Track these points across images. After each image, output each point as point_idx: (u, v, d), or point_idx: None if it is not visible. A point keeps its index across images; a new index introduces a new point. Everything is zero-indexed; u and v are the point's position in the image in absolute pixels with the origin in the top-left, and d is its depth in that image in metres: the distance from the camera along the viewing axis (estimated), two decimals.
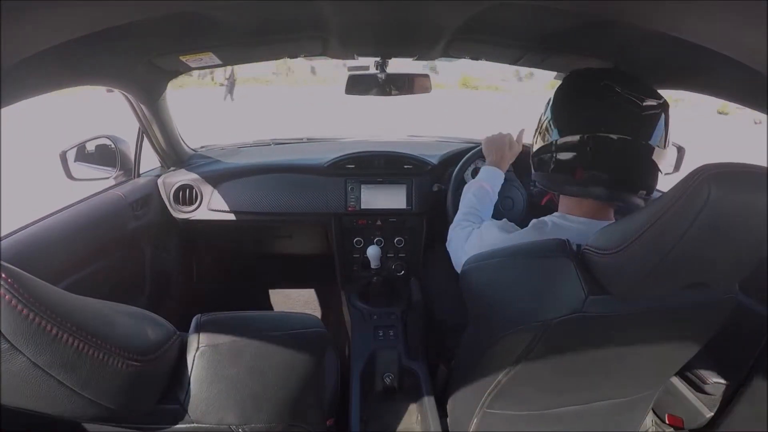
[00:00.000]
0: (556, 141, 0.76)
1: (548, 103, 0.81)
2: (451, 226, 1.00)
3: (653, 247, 0.49)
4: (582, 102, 0.75)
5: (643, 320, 0.61)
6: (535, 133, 0.84)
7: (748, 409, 0.84)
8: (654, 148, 0.69)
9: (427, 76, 1.22)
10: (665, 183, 0.72)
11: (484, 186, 1.05)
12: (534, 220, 0.78)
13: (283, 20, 0.92)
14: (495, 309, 0.65)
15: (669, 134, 0.71)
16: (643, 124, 0.69)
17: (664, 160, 0.71)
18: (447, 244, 0.99)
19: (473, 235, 0.88)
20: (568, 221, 0.75)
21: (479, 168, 1.47)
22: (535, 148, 0.83)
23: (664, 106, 0.70)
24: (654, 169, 0.71)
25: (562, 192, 0.79)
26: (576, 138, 0.72)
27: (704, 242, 0.46)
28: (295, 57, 1.21)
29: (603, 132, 0.69)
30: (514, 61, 1.19)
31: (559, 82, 0.84)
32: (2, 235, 0.88)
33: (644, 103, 0.68)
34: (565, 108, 0.77)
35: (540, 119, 0.83)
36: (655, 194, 0.70)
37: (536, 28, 0.94)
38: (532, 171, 0.85)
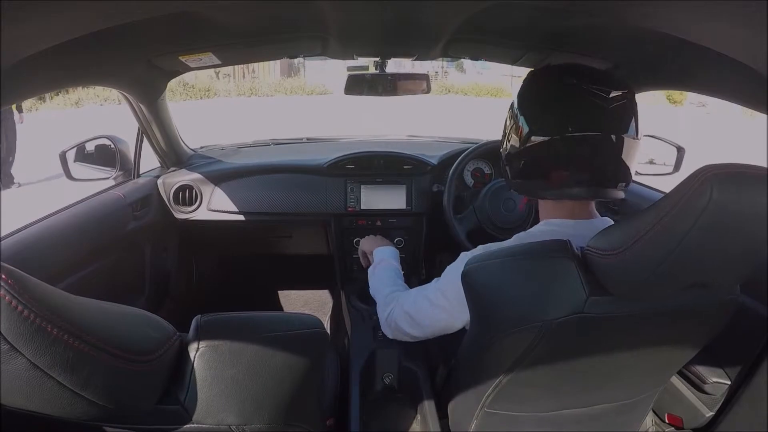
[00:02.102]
0: (525, 145, 0.73)
1: (512, 106, 0.78)
2: (387, 311, 0.95)
3: (655, 248, 0.49)
4: (546, 103, 0.72)
5: (645, 321, 0.61)
6: (504, 139, 0.80)
7: (748, 409, 0.84)
8: (625, 140, 0.67)
9: (426, 75, 1.22)
10: (666, 183, 0.72)
11: (390, 263, 1.11)
12: (516, 235, 0.77)
13: (282, 20, 0.92)
14: (496, 309, 0.65)
15: (639, 123, 0.69)
16: (612, 118, 0.67)
17: (637, 149, 0.70)
18: (391, 322, 0.93)
19: (428, 297, 0.83)
20: (552, 226, 0.74)
21: (478, 168, 1.48)
22: (504, 152, 0.80)
23: (629, 96, 0.68)
24: (629, 161, 0.69)
25: (539, 197, 0.78)
26: (545, 140, 0.70)
27: (706, 243, 0.46)
28: (295, 57, 1.21)
29: (572, 131, 0.67)
30: (514, 61, 1.19)
31: None
32: (2, 235, 0.87)
33: (610, 96, 0.66)
34: (530, 110, 0.74)
35: (506, 123, 0.80)
36: (657, 195, 0.70)
37: (536, 28, 0.94)
38: (507, 178, 0.81)
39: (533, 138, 0.71)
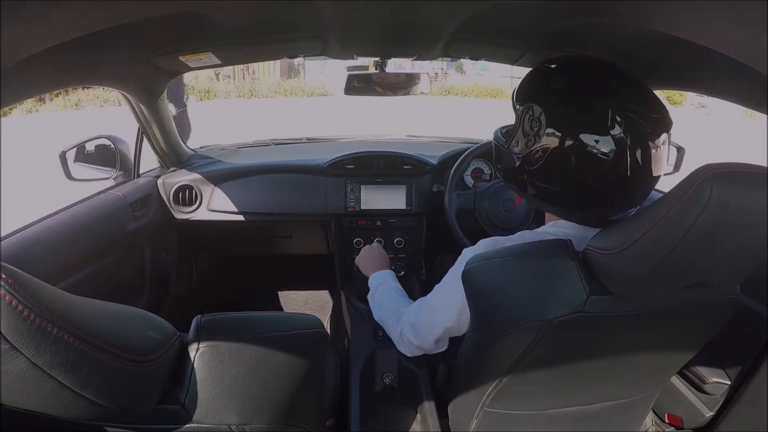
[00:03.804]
0: (543, 158, 0.65)
1: (531, 109, 0.67)
2: (398, 329, 0.91)
3: (655, 247, 0.49)
4: (589, 123, 0.61)
5: (645, 320, 0.61)
6: (512, 138, 0.72)
7: (748, 409, 0.84)
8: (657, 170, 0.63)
9: (425, 75, 1.22)
10: (666, 183, 0.72)
11: (390, 284, 1.06)
12: (521, 232, 0.74)
13: (282, 20, 0.92)
14: (496, 308, 0.65)
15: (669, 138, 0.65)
16: (649, 144, 0.61)
17: (662, 163, 0.65)
18: (403, 336, 0.89)
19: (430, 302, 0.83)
20: (559, 227, 0.71)
21: (478, 168, 1.48)
22: (510, 154, 0.72)
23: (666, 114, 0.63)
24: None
25: (549, 212, 0.75)
26: (572, 163, 0.62)
27: (706, 243, 0.46)
28: (295, 57, 1.21)
29: (603, 160, 0.60)
30: (514, 61, 1.19)
31: None
32: (2, 235, 0.87)
33: (653, 125, 0.60)
34: (564, 126, 0.63)
35: (522, 124, 0.69)
36: (656, 195, 0.70)
37: (536, 27, 0.94)
38: (508, 179, 0.75)
39: (556, 155, 0.64)
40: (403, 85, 1.21)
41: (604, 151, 0.60)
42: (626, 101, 0.61)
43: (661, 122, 0.62)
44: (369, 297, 1.09)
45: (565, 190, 0.66)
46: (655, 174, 0.63)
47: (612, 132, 0.60)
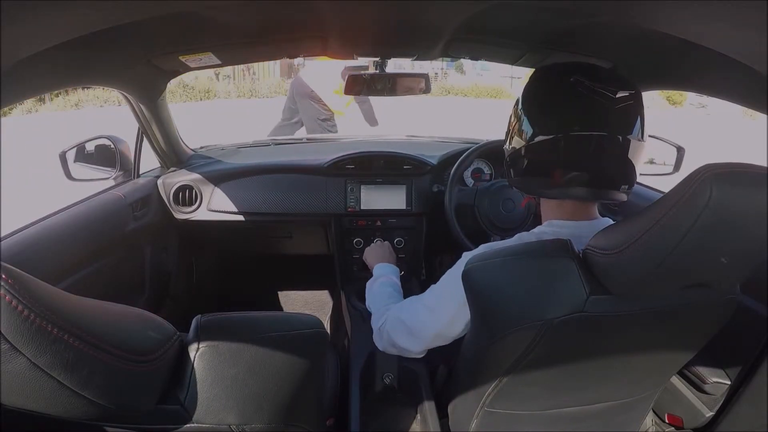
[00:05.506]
0: (529, 143, 0.72)
1: (517, 103, 0.77)
2: (380, 321, 0.92)
3: (655, 247, 0.49)
4: (552, 100, 0.72)
5: (645, 320, 0.61)
6: (508, 135, 0.80)
7: (748, 409, 0.84)
8: (630, 142, 0.66)
9: (425, 75, 1.22)
10: (666, 183, 0.72)
11: (390, 279, 1.09)
12: (518, 234, 0.76)
13: (282, 20, 0.92)
14: (496, 308, 0.65)
15: (645, 125, 0.68)
16: (617, 118, 0.66)
17: (642, 151, 0.69)
18: (385, 334, 0.89)
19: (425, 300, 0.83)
20: (554, 227, 0.73)
21: (478, 168, 1.48)
22: (508, 151, 0.79)
23: (636, 97, 0.67)
24: (634, 163, 0.69)
25: (540, 195, 0.78)
26: (549, 138, 0.69)
27: (705, 243, 0.46)
28: (295, 57, 1.21)
29: (577, 130, 0.67)
30: (514, 61, 1.19)
31: None
32: (2, 235, 0.87)
33: (617, 96, 0.65)
34: (534, 108, 0.74)
35: (510, 120, 0.80)
36: (656, 195, 0.70)
37: (536, 27, 0.94)
38: (509, 176, 0.81)
39: (537, 137, 0.71)
40: (404, 84, 1.21)
41: (577, 111, 0.68)
42: (585, 76, 0.68)
43: (619, 82, 0.68)
44: (368, 283, 1.11)
45: (558, 167, 0.70)
46: (626, 132, 0.66)
47: (578, 100, 0.67)
